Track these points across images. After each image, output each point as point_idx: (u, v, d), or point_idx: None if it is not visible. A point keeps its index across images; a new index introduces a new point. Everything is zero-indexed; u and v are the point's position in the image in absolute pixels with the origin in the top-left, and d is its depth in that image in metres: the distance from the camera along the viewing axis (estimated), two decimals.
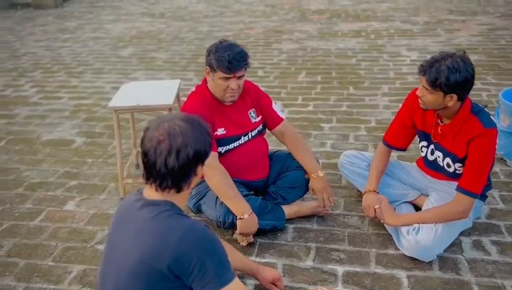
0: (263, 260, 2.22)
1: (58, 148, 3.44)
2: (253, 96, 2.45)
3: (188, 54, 5.62)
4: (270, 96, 2.57)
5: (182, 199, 1.49)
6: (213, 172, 2.20)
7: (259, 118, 2.46)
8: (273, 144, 2.85)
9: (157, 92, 2.68)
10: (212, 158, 2.20)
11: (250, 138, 2.42)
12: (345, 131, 3.47)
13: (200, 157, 1.43)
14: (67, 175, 3.06)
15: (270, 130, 2.52)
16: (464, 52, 2.04)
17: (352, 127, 3.52)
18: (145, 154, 1.41)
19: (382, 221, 2.28)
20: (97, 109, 4.13)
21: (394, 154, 2.70)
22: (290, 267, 2.17)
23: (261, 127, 2.48)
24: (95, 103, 4.28)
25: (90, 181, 2.98)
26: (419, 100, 2.13)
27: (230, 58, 2.18)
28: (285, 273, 2.13)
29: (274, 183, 2.52)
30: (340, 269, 2.14)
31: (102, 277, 1.51)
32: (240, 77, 2.25)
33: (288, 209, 2.45)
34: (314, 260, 2.21)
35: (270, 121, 2.48)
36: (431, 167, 2.37)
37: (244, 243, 2.31)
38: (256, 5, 8.17)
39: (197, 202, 2.38)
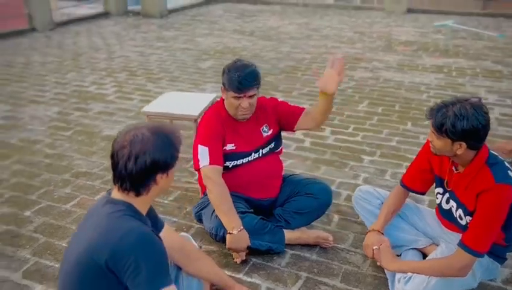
0: (249, 279, 2.24)
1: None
2: (270, 111, 2.49)
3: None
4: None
5: (142, 203, 1.58)
6: (213, 185, 2.28)
7: (271, 131, 2.49)
8: (289, 167, 2.85)
9: (189, 103, 2.84)
10: (214, 172, 2.29)
11: (261, 155, 2.46)
12: (385, 166, 3.33)
13: (158, 167, 1.52)
14: (109, 169, 3.32)
15: (294, 126, 2.50)
16: (480, 99, 1.89)
17: (394, 163, 3.37)
18: (111, 156, 1.54)
19: (379, 263, 2.17)
20: None
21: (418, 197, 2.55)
22: None
23: (273, 144, 2.50)
24: None
25: None
26: (430, 144, 2.02)
27: (240, 78, 2.25)
28: None
29: (282, 206, 2.52)
30: None
31: (60, 267, 1.64)
32: (251, 96, 2.31)
33: (290, 234, 2.44)
34: (299, 289, 2.17)
35: (291, 117, 2.48)
36: (445, 217, 2.21)
37: (237, 261, 2.34)
38: (345, 31, 8.14)
39: (198, 211, 2.47)
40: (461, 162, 2.00)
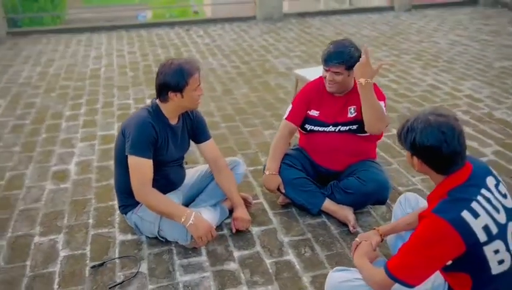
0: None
1: None
2: None
3: None
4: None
5: (166, 109, 2.35)
6: (276, 135, 2.75)
7: (355, 114, 2.64)
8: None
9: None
10: (284, 126, 2.77)
11: (337, 130, 2.68)
12: None
13: (169, 87, 2.26)
14: None
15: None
16: (452, 117, 1.65)
17: None
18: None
19: (351, 253, 2.19)
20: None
21: None
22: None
23: (355, 127, 2.64)
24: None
25: None
26: None
27: (327, 54, 2.55)
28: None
29: (339, 180, 2.70)
30: None
31: None
32: (336, 73, 2.56)
33: (329, 204, 2.64)
34: (289, 240, 2.49)
35: None
36: None
37: (280, 200, 2.77)
38: None
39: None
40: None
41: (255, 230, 2.58)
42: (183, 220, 2.24)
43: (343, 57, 2.53)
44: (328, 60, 2.56)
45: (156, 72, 2.33)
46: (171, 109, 2.38)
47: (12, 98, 4.77)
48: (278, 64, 5.70)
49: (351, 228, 2.53)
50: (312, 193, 2.68)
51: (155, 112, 2.36)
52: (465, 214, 1.60)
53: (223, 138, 3.73)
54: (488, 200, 1.66)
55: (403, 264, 1.74)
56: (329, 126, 2.71)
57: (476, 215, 1.61)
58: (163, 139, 2.36)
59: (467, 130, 3.77)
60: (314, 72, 3.53)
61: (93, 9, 29.07)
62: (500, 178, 1.78)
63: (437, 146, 1.65)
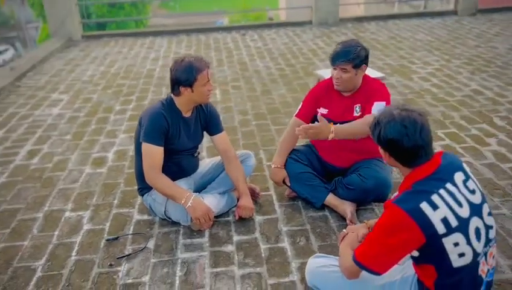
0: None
1: None
2: (368, 94, 2.70)
3: None
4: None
5: (179, 102, 2.57)
6: (286, 129, 2.88)
7: (360, 114, 2.71)
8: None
9: None
10: (293, 121, 2.87)
11: None
12: None
13: (179, 81, 2.48)
14: None
15: None
16: (419, 113, 1.71)
17: None
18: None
19: (338, 243, 2.27)
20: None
21: None
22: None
23: None
24: None
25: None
26: None
27: (334, 52, 2.66)
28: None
29: (344, 176, 2.78)
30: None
31: None
32: (343, 70, 2.65)
33: (332, 199, 2.74)
34: (288, 229, 2.61)
35: (366, 111, 2.68)
36: None
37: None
38: None
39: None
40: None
41: (258, 218, 2.74)
42: (183, 201, 2.46)
43: (349, 55, 2.62)
44: (335, 58, 2.66)
45: (170, 68, 2.58)
46: (183, 102, 2.60)
47: (74, 93, 5.30)
48: (322, 67, 5.79)
49: (347, 221, 2.61)
50: (316, 187, 2.79)
51: (169, 104, 2.60)
52: (424, 206, 1.66)
53: (251, 135, 3.92)
54: (452, 194, 1.71)
55: (367, 252, 1.82)
56: (336, 124, 2.80)
57: (435, 207, 1.66)
58: (175, 130, 2.60)
59: (500, 135, 3.65)
60: None
61: (173, 16, 30.69)
62: (471, 175, 1.81)
63: (399, 139, 1.73)
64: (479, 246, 1.73)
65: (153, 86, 5.41)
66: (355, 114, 2.74)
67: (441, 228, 1.66)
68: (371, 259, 1.80)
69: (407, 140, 1.72)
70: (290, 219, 2.72)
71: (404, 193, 1.75)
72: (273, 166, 2.86)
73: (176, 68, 2.52)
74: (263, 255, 2.42)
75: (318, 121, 2.82)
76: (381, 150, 1.85)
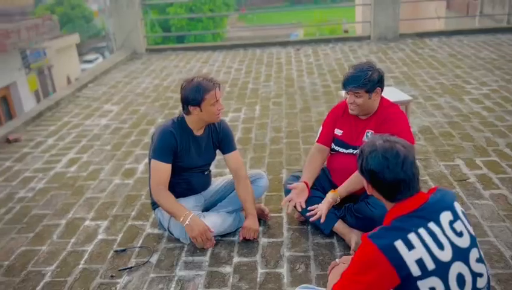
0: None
1: None
2: (382, 120, 2.59)
3: None
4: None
5: (190, 120, 2.63)
6: (309, 154, 2.83)
7: None
8: None
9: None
10: (315, 147, 2.82)
11: (355, 153, 2.65)
12: None
13: (188, 101, 2.54)
14: None
15: None
16: (403, 146, 1.61)
17: None
18: None
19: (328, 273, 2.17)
20: None
21: None
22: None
23: None
24: None
25: None
26: None
27: (346, 76, 2.58)
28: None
29: (355, 203, 2.66)
30: None
31: None
32: (356, 95, 2.56)
33: (340, 226, 2.65)
34: (290, 249, 2.55)
35: None
36: None
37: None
38: None
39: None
40: None
41: (263, 241, 2.70)
42: (181, 219, 2.49)
43: (360, 80, 2.53)
44: (346, 83, 2.59)
45: (180, 88, 2.64)
46: (194, 121, 2.65)
47: (124, 105, 5.59)
48: None
49: (351, 252, 2.50)
50: (328, 214, 2.70)
51: (179, 122, 2.66)
52: (398, 244, 1.57)
53: (278, 153, 3.89)
54: (433, 235, 1.59)
55: (341, 289, 1.74)
56: (348, 148, 2.71)
57: (410, 247, 1.56)
58: (184, 148, 2.65)
59: None
60: None
61: (249, 28, 31.43)
62: (462, 216, 1.67)
63: (379, 171, 1.65)
64: None
65: None
66: (366, 140, 2.63)
67: (415, 270, 1.54)
68: None
69: (388, 172, 1.63)
70: (295, 243, 2.66)
71: (382, 228, 1.66)
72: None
73: (185, 87, 2.58)
74: (258, 279, 2.38)
75: (334, 143, 2.76)
76: (364, 182, 1.77)
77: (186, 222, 2.49)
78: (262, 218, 2.85)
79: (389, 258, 1.55)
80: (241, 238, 2.69)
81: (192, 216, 2.51)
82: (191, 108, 2.57)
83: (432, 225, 1.60)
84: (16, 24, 7.61)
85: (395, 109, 2.69)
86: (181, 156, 2.65)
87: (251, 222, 2.68)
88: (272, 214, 2.94)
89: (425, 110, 4.60)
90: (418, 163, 3.23)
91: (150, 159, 2.72)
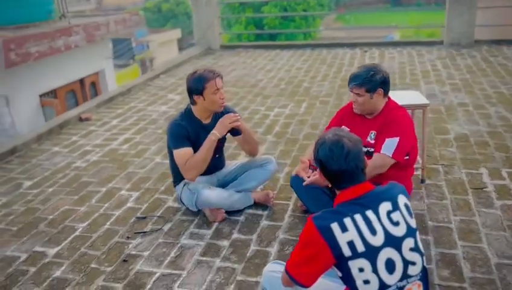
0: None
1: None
2: (386, 122, 2.70)
3: None
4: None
5: (196, 109, 2.93)
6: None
7: (373, 142, 2.71)
8: None
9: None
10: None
11: None
12: None
13: (192, 90, 2.84)
14: None
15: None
16: (347, 138, 1.80)
17: None
18: None
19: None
20: None
21: None
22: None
23: (372, 150, 2.71)
24: None
25: None
26: None
27: (350, 76, 2.72)
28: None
29: None
30: None
31: None
32: (357, 94, 2.69)
33: None
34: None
35: (378, 144, 2.70)
36: None
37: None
38: None
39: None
40: None
41: (264, 223, 2.94)
42: (213, 138, 2.82)
43: (360, 79, 2.67)
44: (349, 81, 2.74)
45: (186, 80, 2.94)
46: (199, 110, 2.93)
47: (186, 95, 6.05)
48: (424, 90, 5.54)
49: None
50: (324, 204, 2.85)
51: (187, 113, 2.96)
52: (334, 226, 1.75)
53: (305, 148, 4.07)
54: (368, 221, 1.75)
55: (292, 262, 1.95)
56: None
57: (344, 229, 1.74)
58: (194, 136, 2.91)
59: None
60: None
61: (343, 29, 31.21)
62: (403, 208, 1.79)
63: (325, 161, 1.84)
64: (389, 278, 1.73)
65: (251, 95, 5.87)
66: (369, 140, 2.76)
67: (346, 251, 1.72)
68: (295, 270, 1.92)
69: (333, 163, 1.81)
70: (291, 228, 2.87)
71: (325, 211, 1.84)
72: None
73: (189, 79, 2.88)
74: (248, 254, 2.63)
75: None
76: (318, 170, 1.96)
77: (214, 131, 2.83)
78: (266, 203, 3.09)
79: (324, 237, 1.74)
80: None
81: (212, 131, 2.84)
82: (195, 97, 2.87)
83: (369, 213, 1.76)
84: (107, 18, 8.47)
85: (401, 111, 2.78)
86: (193, 144, 2.93)
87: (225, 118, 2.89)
88: (281, 201, 3.16)
89: (469, 119, 4.49)
90: (440, 169, 3.28)
91: (168, 148, 3.02)
